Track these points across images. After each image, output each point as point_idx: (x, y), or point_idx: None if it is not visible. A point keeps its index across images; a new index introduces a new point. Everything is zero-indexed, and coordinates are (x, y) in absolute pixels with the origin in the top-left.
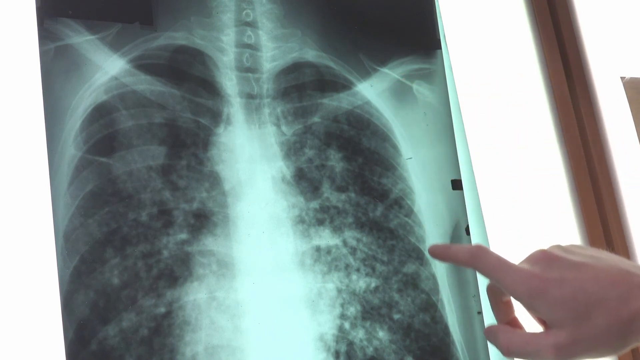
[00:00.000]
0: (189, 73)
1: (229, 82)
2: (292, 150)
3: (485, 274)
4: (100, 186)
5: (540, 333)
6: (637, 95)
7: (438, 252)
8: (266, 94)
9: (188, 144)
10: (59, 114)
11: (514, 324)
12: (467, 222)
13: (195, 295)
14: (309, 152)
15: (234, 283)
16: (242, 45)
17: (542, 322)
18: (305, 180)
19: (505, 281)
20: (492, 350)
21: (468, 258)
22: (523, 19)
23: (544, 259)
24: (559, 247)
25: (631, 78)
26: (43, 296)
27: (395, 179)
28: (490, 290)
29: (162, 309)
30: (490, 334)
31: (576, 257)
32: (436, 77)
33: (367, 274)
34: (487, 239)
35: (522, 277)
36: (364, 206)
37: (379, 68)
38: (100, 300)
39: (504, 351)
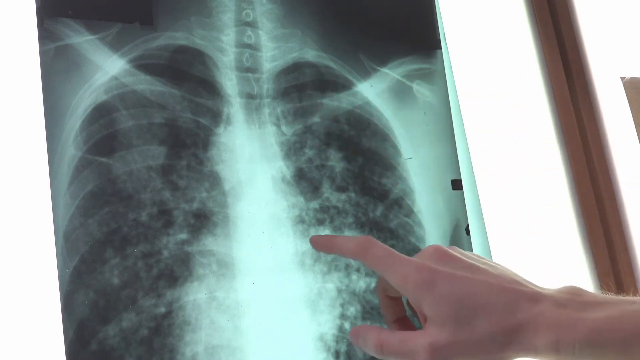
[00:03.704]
0: (189, 73)
1: (229, 82)
2: (292, 150)
3: (372, 266)
4: (100, 186)
5: (417, 331)
6: (637, 95)
7: (321, 243)
8: (266, 94)
9: (188, 144)
10: (59, 114)
11: (404, 324)
12: (467, 222)
13: (195, 295)
14: (309, 152)
15: (234, 283)
16: (242, 45)
17: (423, 320)
18: (305, 180)
19: (393, 272)
20: None
21: (355, 250)
22: (523, 19)
23: (437, 254)
24: (455, 248)
25: (631, 78)
26: (43, 296)
27: (395, 179)
28: (379, 286)
29: (162, 309)
30: (358, 336)
31: (471, 260)
32: (436, 77)
33: (367, 274)
34: (487, 239)
35: (411, 268)
36: (364, 206)
37: (379, 68)
38: (100, 300)
39: (377, 351)
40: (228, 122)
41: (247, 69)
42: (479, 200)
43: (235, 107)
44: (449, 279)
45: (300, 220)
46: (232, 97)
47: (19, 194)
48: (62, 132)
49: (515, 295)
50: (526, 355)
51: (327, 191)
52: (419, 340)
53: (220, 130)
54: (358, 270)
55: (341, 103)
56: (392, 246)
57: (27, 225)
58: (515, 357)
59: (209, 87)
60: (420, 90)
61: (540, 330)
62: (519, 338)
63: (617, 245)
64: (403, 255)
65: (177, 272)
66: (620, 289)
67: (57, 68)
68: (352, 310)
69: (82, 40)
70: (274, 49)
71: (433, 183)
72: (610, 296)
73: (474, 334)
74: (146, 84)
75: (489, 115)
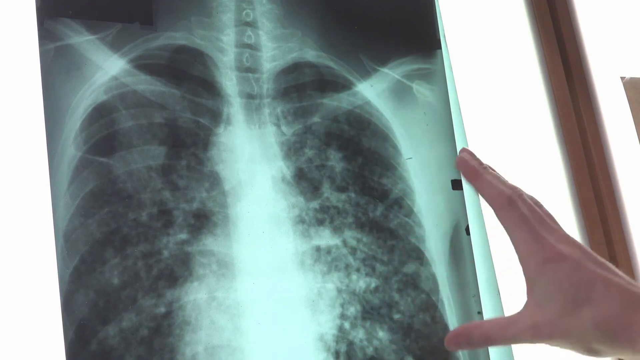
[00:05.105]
0: (189, 73)
1: (229, 82)
2: (292, 150)
3: (510, 226)
4: (100, 186)
5: (517, 315)
6: (637, 95)
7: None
8: (266, 94)
9: (188, 144)
10: (59, 114)
11: None
12: (467, 222)
13: (195, 295)
14: (309, 152)
15: (234, 283)
16: (242, 45)
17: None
18: (305, 180)
19: (526, 240)
20: (492, 350)
21: (501, 200)
22: (523, 19)
23: (578, 246)
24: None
25: (631, 78)
26: (43, 296)
27: (395, 179)
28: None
29: (162, 309)
30: (460, 335)
31: (604, 261)
32: (436, 77)
33: (367, 274)
34: (487, 239)
35: (542, 244)
36: (364, 206)
37: (379, 68)
38: (100, 300)
39: (484, 343)
40: (228, 122)
41: (247, 69)
42: (479, 200)
43: (235, 107)
44: (575, 264)
45: (300, 220)
46: (232, 97)
47: (19, 194)
48: (62, 132)
49: (632, 297)
50: (630, 354)
51: (327, 191)
52: (522, 322)
53: (220, 130)
54: (358, 270)
55: (341, 103)
56: (392, 246)
57: (27, 225)
58: (618, 354)
59: (209, 87)
60: (420, 90)
61: None
62: (622, 336)
63: (617, 245)
64: (543, 230)
65: (177, 272)
66: None
67: (57, 68)
68: (352, 310)
69: (82, 40)
70: (274, 49)
71: (433, 183)
72: None
73: (579, 320)
74: (146, 84)
75: (489, 115)
